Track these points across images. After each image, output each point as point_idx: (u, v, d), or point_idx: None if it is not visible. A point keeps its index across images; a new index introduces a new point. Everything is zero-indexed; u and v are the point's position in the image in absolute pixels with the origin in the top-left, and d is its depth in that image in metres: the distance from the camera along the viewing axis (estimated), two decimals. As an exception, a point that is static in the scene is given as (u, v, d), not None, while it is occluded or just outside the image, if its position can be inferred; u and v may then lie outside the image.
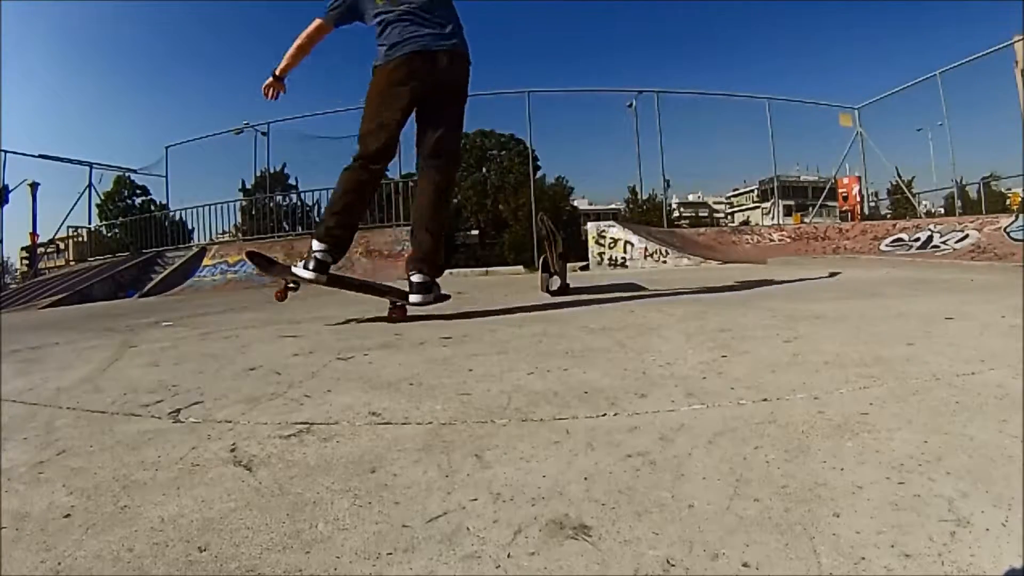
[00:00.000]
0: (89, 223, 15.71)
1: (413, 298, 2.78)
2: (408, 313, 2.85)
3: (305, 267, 2.79)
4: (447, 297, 2.97)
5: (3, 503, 0.90)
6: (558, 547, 0.66)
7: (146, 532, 0.77)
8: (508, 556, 0.65)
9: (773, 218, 17.20)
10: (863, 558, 0.63)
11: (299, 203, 14.31)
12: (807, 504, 0.76)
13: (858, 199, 16.57)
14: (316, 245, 2.80)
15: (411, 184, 11.87)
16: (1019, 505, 0.72)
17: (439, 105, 2.81)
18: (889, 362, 1.46)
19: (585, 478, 0.85)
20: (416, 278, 2.78)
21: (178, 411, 1.34)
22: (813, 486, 0.81)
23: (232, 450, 1.04)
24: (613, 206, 19.63)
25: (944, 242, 9.06)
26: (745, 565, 0.62)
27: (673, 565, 0.62)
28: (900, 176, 15.58)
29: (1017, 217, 8.37)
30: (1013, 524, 0.67)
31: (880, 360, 1.48)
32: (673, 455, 0.91)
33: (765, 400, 1.19)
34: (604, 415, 1.13)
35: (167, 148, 15.20)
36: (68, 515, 0.84)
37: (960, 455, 0.88)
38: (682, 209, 26.89)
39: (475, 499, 0.80)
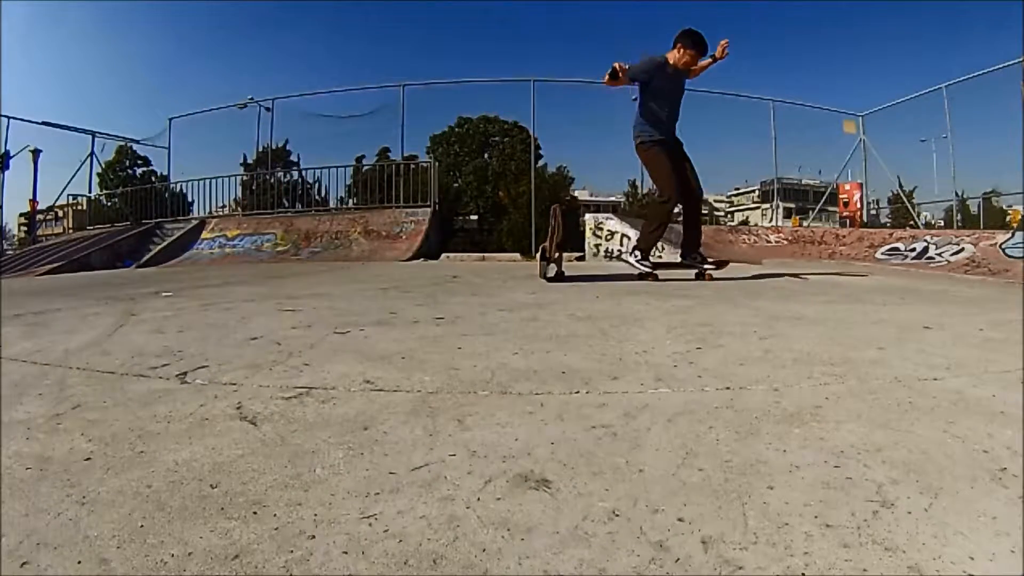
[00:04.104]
0: (89, 192, 15.66)
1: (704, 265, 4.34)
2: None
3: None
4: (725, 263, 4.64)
5: (25, 448, 0.99)
6: (521, 495, 0.78)
7: (163, 473, 0.87)
8: (477, 500, 0.77)
9: (771, 220, 17.29)
10: (786, 524, 0.73)
11: (300, 180, 14.31)
12: (745, 476, 0.86)
13: (859, 206, 16.62)
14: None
15: (412, 166, 11.91)
16: (945, 495, 0.80)
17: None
18: (855, 363, 1.54)
19: (552, 443, 0.96)
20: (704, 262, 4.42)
21: (185, 374, 1.44)
22: (754, 462, 0.91)
23: (238, 407, 1.15)
24: (613, 198, 19.65)
25: (939, 254, 9.11)
26: (680, 520, 0.73)
27: (617, 515, 0.73)
28: (902, 186, 15.64)
29: (1013, 234, 8.42)
30: (935, 510, 0.75)
31: (847, 361, 1.57)
32: (633, 429, 1.02)
33: (727, 388, 1.29)
34: (577, 392, 1.24)
35: (170, 120, 15.12)
36: (88, 458, 0.94)
37: (900, 449, 0.96)
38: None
39: (453, 454, 0.91)
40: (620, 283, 4.16)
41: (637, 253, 4.31)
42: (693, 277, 4.24)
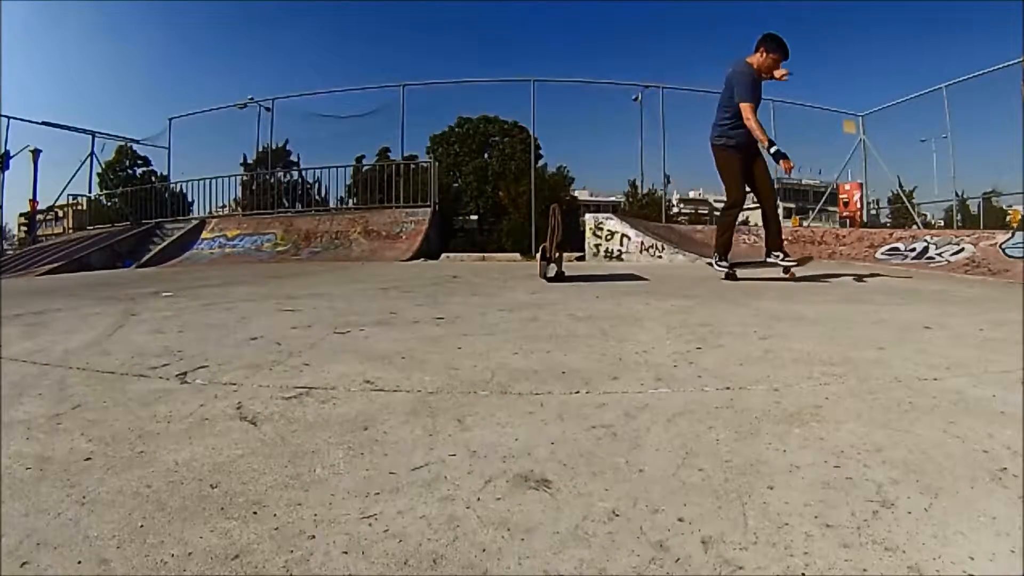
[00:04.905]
0: (89, 192, 15.66)
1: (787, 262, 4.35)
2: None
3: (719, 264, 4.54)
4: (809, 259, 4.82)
5: (25, 448, 0.99)
6: (521, 495, 0.78)
7: (162, 473, 0.87)
8: (477, 500, 0.77)
9: (772, 220, 17.23)
10: (786, 524, 0.73)
11: (300, 180, 14.32)
12: (745, 476, 0.86)
13: (859, 206, 16.61)
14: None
15: (412, 166, 11.91)
16: (945, 495, 0.80)
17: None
18: (855, 363, 1.54)
19: (552, 443, 0.96)
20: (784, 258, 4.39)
21: (185, 374, 1.44)
22: (755, 462, 0.91)
23: (238, 408, 1.15)
24: (613, 198, 19.65)
25: (939, 254, 9.10)
26: (680, 520, 0.73)
27: (617, 515, 0.73)
28: (901, 186, 15.64)
29: (1013, 234, 8.41)
30: (936, 510, 0.75)
31: (847, 361, 1.57)
32: (633, 429, 1.02)
33: (728, 388, 1.29)
34: (577, 392, 1.24)
35: (170, 120, 15.11)
36: (88, 458, 0.94)
37: (900, 448, 0.96)
38: (682, 205, 26.95)
39: (454, 454, 0.92)
40: (620, 283, 4.16)
41: (716, 255, 4.49)
42: (781, 274, 4.31)
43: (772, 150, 4.11)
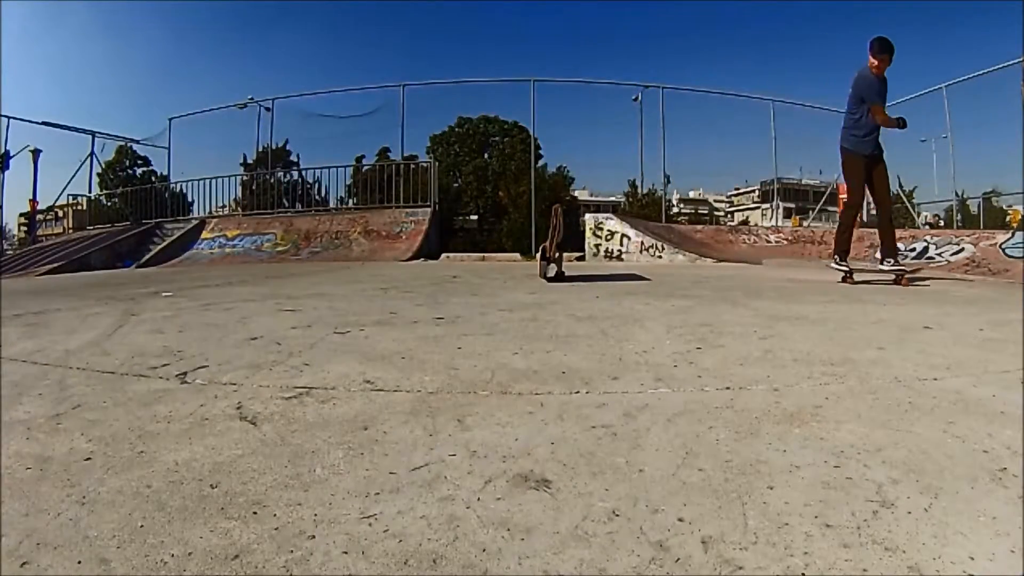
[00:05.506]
0: (89, 192, 15.68)
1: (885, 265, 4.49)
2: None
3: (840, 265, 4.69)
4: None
5: (25, 448, 0.99)
6: (521, 495, 0.78)
7: (162, 473, 0.87)
8: (478, 500, 0.77)
9: (771, 220, 17.28)
10: (786, 524, 0.73)
11: (300, 180, 14.34)
12: (746, 476, 0.86)
13: (858, 205, 16.61)
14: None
15: (412, 166, 11.92)
16: (945, 495, 0.80)
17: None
18: (856, 363, 1.54)
19: (552, 443, 0.96)
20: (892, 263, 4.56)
21: (185, 374, 1.44)
22: (755, 462, 0.91)
23: (238, 407, 1.15)
24: (613, 198, 19.67)
25: (939, 254, 9.11)
26: (680, 520, 0.73)
27: (618, 515, 0.73)
28: (901, 186, 15.65)
29: (1013, 234, 8.40)
30: (935, 510, 0.75)
31: (848, 361, 1.57)
32: (633, 429, 1.02)
33: (728, 388, 1.29)
34: (577, 392, 1.25)
35: (170, 120, 15.12)
36: (88, 458, 0.94)
37: (900, 448, 0.96)
38: (682, 205, 26.95)
39: (454, 454, 0.92)
40: (620, 283, 4.16)
41: (836, 257, 4.67)
42: (892, 281, 4.34)
43: (899, 120, 4.36)
